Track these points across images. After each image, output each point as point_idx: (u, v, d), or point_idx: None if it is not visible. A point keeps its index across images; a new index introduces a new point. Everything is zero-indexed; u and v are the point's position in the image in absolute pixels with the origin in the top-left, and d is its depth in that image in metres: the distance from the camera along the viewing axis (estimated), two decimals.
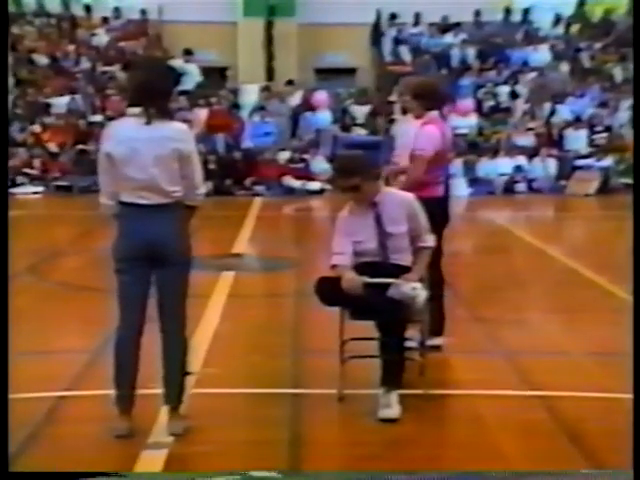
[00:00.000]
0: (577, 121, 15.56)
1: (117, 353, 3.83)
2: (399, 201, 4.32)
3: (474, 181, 14.35)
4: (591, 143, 15.27)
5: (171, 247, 3.74)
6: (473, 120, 15.72)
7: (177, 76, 3.96)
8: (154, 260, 3.74)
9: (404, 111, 5.67)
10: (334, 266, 4.27)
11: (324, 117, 15.81)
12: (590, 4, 18.24)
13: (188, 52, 16.54)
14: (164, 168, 3.67)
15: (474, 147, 14.94)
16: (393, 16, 17.90)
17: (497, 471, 3.47)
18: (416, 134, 4.95)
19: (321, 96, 16.12)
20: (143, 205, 3.70)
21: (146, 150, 3.65)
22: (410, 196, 4.38)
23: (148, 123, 3.68)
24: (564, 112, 15.88)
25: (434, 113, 5.04)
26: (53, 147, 14.96)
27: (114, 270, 3.81)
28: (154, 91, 3.69)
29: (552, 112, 15.88)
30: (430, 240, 4.39)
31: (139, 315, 3.81)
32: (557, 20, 18.22)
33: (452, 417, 4.32)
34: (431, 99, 5.03)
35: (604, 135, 15.32)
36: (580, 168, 14.68)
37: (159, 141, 3.66)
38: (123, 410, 3.81)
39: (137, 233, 3.72)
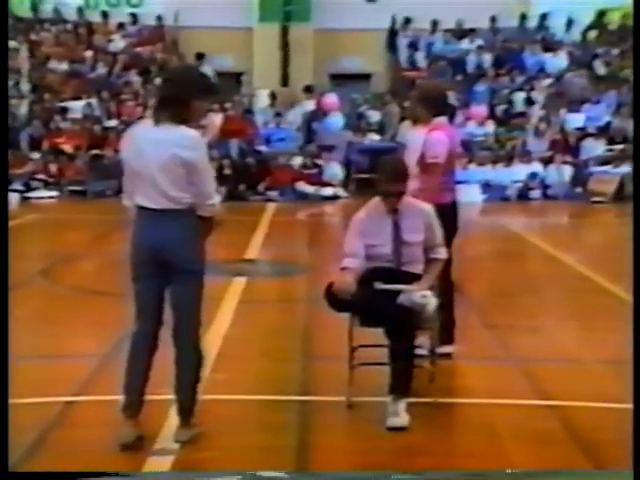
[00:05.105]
0: (593, 128, 15.45)
1: (130, 360, 3.81)
2: (418, 211, 4.35)
3: (488, 187, 14.28)
4: (608, 151, 15.15)
5: (178, 254, 3.70)
6: (490, 128, 15.65)
7: (205, 86, 3.90)
8: (162, 267, 3.71)
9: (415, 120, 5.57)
10: (344, 269, 4.25)
11: (336, 120, 15.77)
12: (607, 10, 18.11)
13: (200, 56, 16.52)
14: (166, 171, 3.65)
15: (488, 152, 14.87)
16: (407, 20, 17.84)
17: (499, 472, 3.44)
18: (425, 141, 4.91)
19: (331, 99, 16.02)
20: (153, 209, 3.69)
21: (150, 151, 3.66)
22: (429, 207, 4.39)
23: (156, 125, 3.68)
24: (580, 119, 15.78)
25: (441, 119, 4.99)
26: (68, 151, 15.03)
27: (131, 278, 3.79)
28: (168, 96, 3.70)
29: (567, 119, 15.78)
30: (443, 253, 4.43)
31: (153, 324, 3.79)
32: (573, 26, 18.11)
33: (462, 425, 4.28)
34: (437, 105, 4.98)
35: (621, 143, 15.18)
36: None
37: (162, 144, 3.65)
38: (129, 416, 3.78)
39: (144, 238, 3.72)
